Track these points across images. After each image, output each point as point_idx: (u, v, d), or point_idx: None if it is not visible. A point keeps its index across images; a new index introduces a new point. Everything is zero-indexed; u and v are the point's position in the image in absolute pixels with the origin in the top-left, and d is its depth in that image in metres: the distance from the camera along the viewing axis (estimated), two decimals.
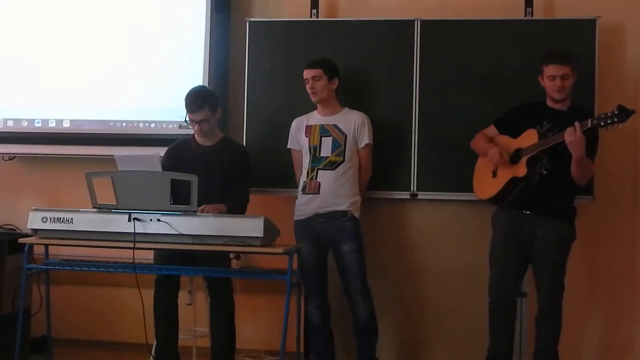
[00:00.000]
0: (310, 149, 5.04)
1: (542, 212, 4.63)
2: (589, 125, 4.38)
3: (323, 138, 5.02)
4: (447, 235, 5.36)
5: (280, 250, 4.51)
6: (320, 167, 4.98)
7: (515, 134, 4.74)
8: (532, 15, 5.22)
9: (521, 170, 4.60)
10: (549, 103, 4.74)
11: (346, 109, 5.10)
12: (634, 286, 5.30)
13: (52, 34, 5.81)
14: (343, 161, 4.97)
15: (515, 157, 4.66)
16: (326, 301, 5.10)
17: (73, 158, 5.73)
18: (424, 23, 5.25)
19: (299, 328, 4.88)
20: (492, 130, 4.88)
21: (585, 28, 5.08)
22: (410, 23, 5.26)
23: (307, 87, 5.00)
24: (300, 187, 5.06)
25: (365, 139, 5.03)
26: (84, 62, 5.74)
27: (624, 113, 4.32)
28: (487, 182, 4.80)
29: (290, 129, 5.16)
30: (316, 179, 4.97)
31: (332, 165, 4.97)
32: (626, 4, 5.25)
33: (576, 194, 4.77)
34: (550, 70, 4.64)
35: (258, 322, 5.61)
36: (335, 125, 5.03)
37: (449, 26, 5.28)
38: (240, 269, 5.36)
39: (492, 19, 5.23)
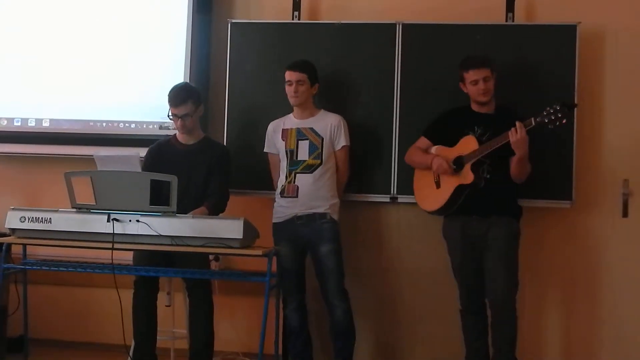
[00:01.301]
0: (287, 152, 5.03)
1: (490, 214, 4.67)
2: (533, 124, 4.44)
3: (300, 141, 5.02)
4: (426, 239, 5.36)
5: (259, 252, 4.50)
6: (298, 170, 4.98)
7: (447, 142, 4.78)
8: (513, 20, 5.24)
9: (468, 177, 4.63)
10: (475, 107, 4.79)
11: (322, 111, 5.10)
12: (611, 289, 5.32)
13: (33, 33, 5.78)
14: (321, 164, 4.97)
15: (457, 165, 4.69)
16: (304, 303, 5.11)
17: (52, 157, 5.71)
18: (405, 27, 5.26)
19: (277, 330, 4.88)
20: (423, 141, 4.92)
21: (566, 33, 5.10)
22: (392, 26, 5.27)
23: (290, 88, 4.99)
24: (278, 191, 5.06)
25: (342, 141, 5.04)
26: (64, 62, 5.72)
27: (566, 108, 4.38)
28: (431, 194, 4.83)
29: (267, 132, 5.16)
30: (294, 182, 4.97)
31: (309, 169, 4.97)
32: (606, 11, 5.27)
33: (520, 194, 4.81)
34: (471, 75, 4.71)
35: (237, 324, 5.60)
36: (312, 129, 5.03)
37: (431, 30, 5.29)
38: (219, 271, 5.34)
39: (474, 23, 5.25)
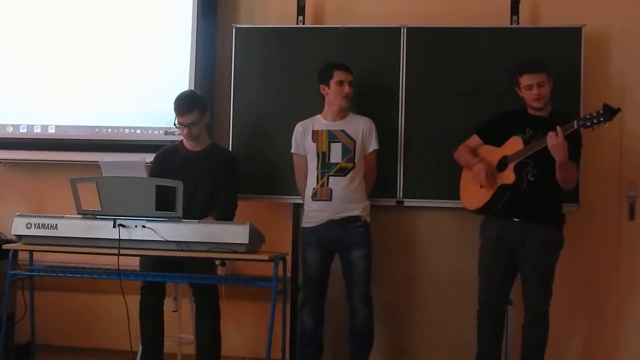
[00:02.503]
0: (318, 154, 4.99)
1: (531, 219, 4.63)
2: (575, 126, 4.39)
3: (332, 144, 4.98)
4: (432, 242, 5.37)
5: (265, 257, 4.50)
6: (330, 173, 4.94)
7: (498, 142, 4.74)
8: (517, 23, 5.23)
9: (509, 177, 4.60)
10: (530, 111, 4.75)
11: (351, 114, 5.07)
12: (619, 292, 5.32)
13: (38, 39, 5.80)
14: (354, 167, 4.94)
15: (501, 165, 4.67)
16: (322, 309, 5.05)
17: (58, 164, 5.71)
18: (410, 30, 5.25)
19: (284, 335, 4.88)
20: (474, 140, 4.88)
21: (570, 36, 5.09)
22: (397, 30, 5.26)
23: (342, 88, 4.93)
24: (309, 194, 5.01)
25: (374, 145, 5.02)
26: (70, 68, 5.73)
27: (609, 112, 4.34)
28: (475, 192, 4.79)
29: (295, 133, 5.09)
30: (327, 185, 4.94)
31: (343, 172, 4.93)
32: (610, 13, 5.27)
33: (563, 200, 4.78)
34: (525, 80, 4.67)
35: (243, 329, 5.59)
36: (343, 131, 4.99)
37: (435, 33, 5.28)
38: (225, 276, 5.34)
39: (478, 26, 5.24)
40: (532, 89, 4.65)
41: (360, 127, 5.00)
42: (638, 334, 5.27)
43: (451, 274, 5.27)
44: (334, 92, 4.96)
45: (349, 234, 4.90)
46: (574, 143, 4.48)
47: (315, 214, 4.97)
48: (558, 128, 4.39)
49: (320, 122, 5.06)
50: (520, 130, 4.66)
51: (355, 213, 4.91)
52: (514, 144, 4.64)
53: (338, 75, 4.94)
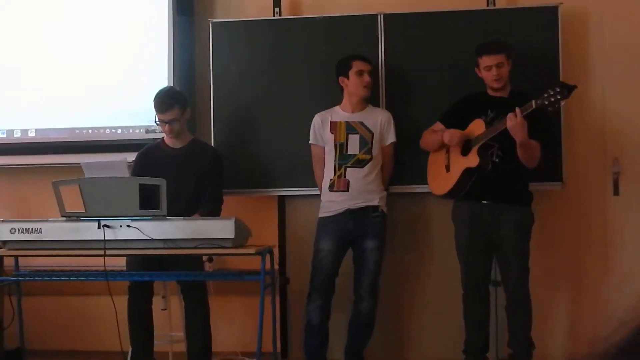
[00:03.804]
0: (336, 145, 4.98)
1: (501, 200, 4.67)
2: (534, 106, 4.42)
3: (350, 135, 4.97)
4: (417, 229, 5.36)
5: (252, 250, 4.49)
6: (348, 165, 4.94)
7: (461, 126, 4.75)
8: (494, 5, 5.23)
9: (473, 160, 4.62)
10: (490, 92, 4.79)
11: (370, 106, 5.06)
12: (605, 267, 5.33)
13: (14, 43, 5.75)
14: (371, 159, 4.94)
15: (465, 148, 4.69)
16: (329, 303, 5.02)
17: (40, 167, 5.67)
18: (387, 17, 5.24)
19: (275, 328, 4.87)
20: (437, 126, 4.89)
21: (547, 15, 5.10)
22: (374, 18, 5.25)
23: (363, 78, 4.92)
24: (326, 185, 5.00)
25: (392, 137, 5.02)
26: (47, 70, 5.68)
27: (566, 89, 4.38)
28: (442, 177, 4.83)
29: (313, 124, 5.08)
30: (344, 176, 4.93)
31: (360, 164, 4.93)
32: None
33: (530, 178, 4.79)
34: (485, 61, 4.71)
35: (234, 324, 5.58)
36: (362, 123, 4.98)
37: (412, 19, 5.29)
38: (213, 272, 5.32)
39: (455, 10, 5.25)
40: (491, 70, 4.70)
41: (379, 119, 5.00)
42: (624, 308, 5.28)
43: (439, 260, 5.27)
44: (354, 83, 4.96)
45: (366, 224, 4.90)
46: (536, 122, 4.50)
47: (332, 204, 4.97)
48: (517, 109, 4.42)
49: (339, 113, 5.05)
50: (483, 113, 4.70)
51: (374, 203, 4.92)
52: (477, 127, 4.67)
53: (357, 66, 4.95)
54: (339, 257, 4.99)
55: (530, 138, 4.49)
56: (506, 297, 4.75)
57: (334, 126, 5.02)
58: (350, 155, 4.95)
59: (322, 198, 5.05)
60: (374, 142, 4.97)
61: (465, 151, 4.68)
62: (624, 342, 1.26)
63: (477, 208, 4.71)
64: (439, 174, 4.86)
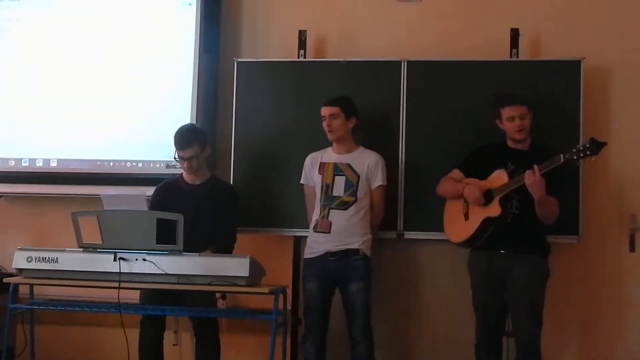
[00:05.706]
0: (322, 186, 5.00)
1: (517, 250, 4.64)
2: (562, 160, 4.42)
3: (336, 177, 4.98)
4: (433, 275, 5.36)
5: (265, 290, 4.50)
6: (332, 206, 4.94)
7: (480, 176, 4.76)
8: (517, 56, 5.26)
9: (495, 210, 4.61)
10: (510, 144, 4.79)
11: (360, 148, 5.08)
12: (620, 324, 5.29)
13: (40, 73, 5.83)
14: (355, 201, 4.94)
15: (486, 198, 4.68)
16: (325, 340, 5.00)
17: (60, 197, 5.72)
18: (410, 64, 5.28)
19: None
20: (456, 173, 4.89)
21: (570, 69, 5.11)
22: (397, 64, 5.30)
23: (324, 124, 4.98)
24: (311, 226, 5.03)
25: (379, 181, 5.01)
26: (72, 102, 5.76)
27: (595, 145, 4.37)
28: (460, 225, 4.81)
29: (304, 164, 5.13)
30: (328, 217, 4.94)
31: (344, 206, 4.93)
32: (611, 46, 5.30)
33: (548, 231, 4.76)
34: (507, 112, 4.71)
35: None
36: (349, 165, 5.00)
37: (435, 67, 5.31)
38: (226, 309, 5.33)
39: (478, 60, 5.27)
40: (514, 121, 4.69)
41: (367, 162, 5.01)
42: None
43: (452, 307, 5.24)
44: (324, 129, 5.01)
45: (348, 267, 4.88)
46: (554, 177, 4.51)
47: (315, 245, 4.97)
48: (535, 167, 4.43)
49: (330, 154, 5.08)
50: (502, 164, 4.70)
51: (354, 246, 4.90)
52: (499, 177, 4.66)
53: (321, 112, 4.99)
54: (326, 297, 4.97)
55: (549, 194, 4.49)
56: (516, 350, 4.69)
57: (322, 167, 5.04)
58: (335, 196, 4.96)
59: (307, 238, 5.07)
60: (359, 184, 4.96)
61: (485, 200, 4.69)
62: None
63: (494, 258, 4.68)
64: (457, 221, 4.84)
